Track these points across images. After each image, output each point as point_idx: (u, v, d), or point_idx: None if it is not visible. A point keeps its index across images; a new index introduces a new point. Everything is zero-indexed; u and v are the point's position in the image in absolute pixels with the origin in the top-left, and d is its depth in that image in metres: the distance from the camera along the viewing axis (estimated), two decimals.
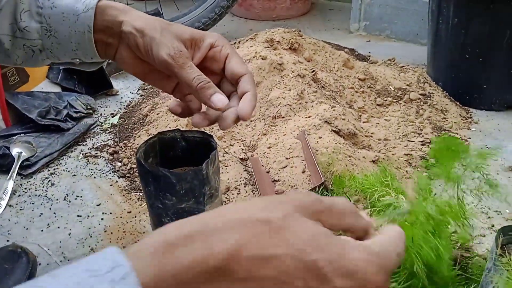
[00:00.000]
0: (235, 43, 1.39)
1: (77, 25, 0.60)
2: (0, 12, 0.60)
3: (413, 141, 1.06)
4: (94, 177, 1.00)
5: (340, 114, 1.01)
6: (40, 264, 0.77)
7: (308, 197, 0.32)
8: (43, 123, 1.12)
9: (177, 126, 1.05)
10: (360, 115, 1.14)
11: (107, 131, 1.17)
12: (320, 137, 0.96)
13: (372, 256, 0.30)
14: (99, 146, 1.11)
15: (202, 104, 0.61)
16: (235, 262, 0.28)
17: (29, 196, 0.95)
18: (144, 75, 0.64)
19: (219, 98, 0.56)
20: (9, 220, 0.88)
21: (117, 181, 0.99)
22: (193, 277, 0.27)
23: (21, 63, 0.65)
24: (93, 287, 0.25)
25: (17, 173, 0.99)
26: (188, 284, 0.28)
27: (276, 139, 1.02)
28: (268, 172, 0.94)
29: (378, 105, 1.19)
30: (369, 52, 1.58)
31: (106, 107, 1.29)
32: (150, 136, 0.76)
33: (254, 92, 0.58)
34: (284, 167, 0.93)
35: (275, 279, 0.28)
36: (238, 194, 0.91)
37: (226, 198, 0.91)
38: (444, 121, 1.16)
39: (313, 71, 1.18)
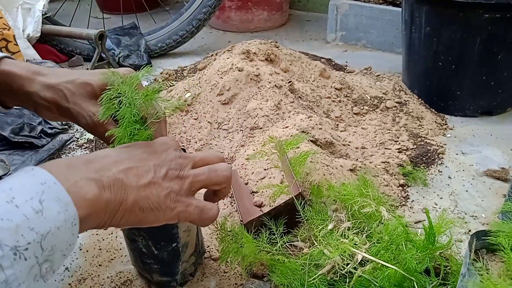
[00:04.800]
0: (212, 55, 1.39)
1: None
2: None
3: (390, 149, 1.07)
4: None
5: (317, 124, 1.01)
6: None
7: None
8: (16, 140, 1.10)
9: None
10: (337, 124, 1.14)
11: (83, 147, 1.16)
12: (297, 147, 0.96)
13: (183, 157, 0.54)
14: None
15: None
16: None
17: None
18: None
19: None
20: None
21: None
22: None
23: None
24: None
25: None
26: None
27: (254, 150, 1.01)
28: (246, 183, 0.94)
29: (355, 113, 1.20)
30: (346, 62, 1.59)
31: None
32: None
33: None
34: (262, 178, 0.92)
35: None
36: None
37: None
38: (420, 128, 1.17)
39: (290, 81, 1.18)
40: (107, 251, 0.82)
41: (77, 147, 1.16)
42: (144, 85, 0.61)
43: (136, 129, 0.58)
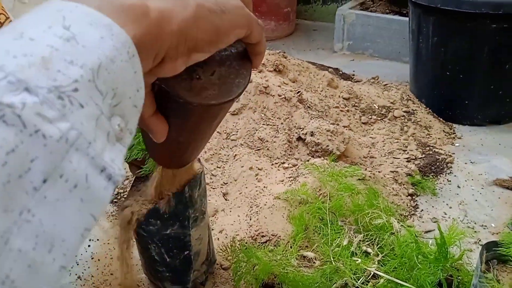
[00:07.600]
0: None
1: None
2: None
3: (399, 158, 1.07)
4: None
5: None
6: None
7: None
8: None
9: None
10: None
11: None
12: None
13: None
14: None
15: None
16: None
17: None
18: None
19: None
20: None
21: None
22: None
23: None
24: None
25: None
26: None
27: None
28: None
29: (363, 123, 1.20)
30: (353, 71, 1.60)
31: None
32: None
33: None
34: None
35: None
36: (225, 216, 0.91)
37: (214, 220, 0.91)
38: (428, 137, 1.18)
39: (298, 92, 1.19)
40: (119, 260, 0.83)
41: None
42: None
43: None
